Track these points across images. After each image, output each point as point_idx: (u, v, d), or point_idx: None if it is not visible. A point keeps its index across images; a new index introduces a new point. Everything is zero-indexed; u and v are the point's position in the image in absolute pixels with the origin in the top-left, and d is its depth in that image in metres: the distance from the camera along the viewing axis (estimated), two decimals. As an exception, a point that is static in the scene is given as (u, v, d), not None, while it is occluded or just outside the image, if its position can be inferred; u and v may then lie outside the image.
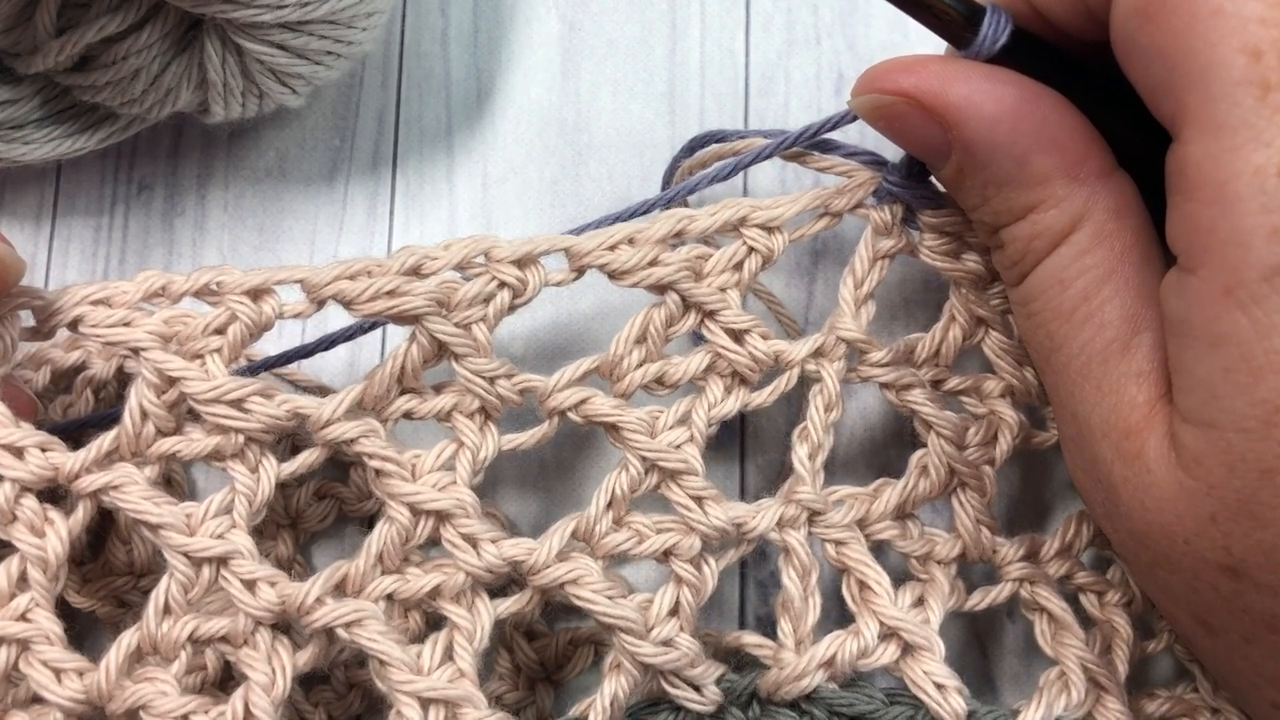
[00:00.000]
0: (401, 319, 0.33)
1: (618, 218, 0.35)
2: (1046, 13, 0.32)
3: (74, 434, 0.36)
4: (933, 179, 0.35)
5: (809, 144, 0.36)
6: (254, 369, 0.36)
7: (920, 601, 0.35)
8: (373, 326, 0.36)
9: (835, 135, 0.35)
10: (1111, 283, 0.31)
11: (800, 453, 0.35)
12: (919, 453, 0.36)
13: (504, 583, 0.34)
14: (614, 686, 0.33)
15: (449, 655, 0.32)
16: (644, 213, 0.36)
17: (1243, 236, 0.27)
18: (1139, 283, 0.31)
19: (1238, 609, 0.29)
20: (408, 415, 0.34)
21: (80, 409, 0.37)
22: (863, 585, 0.35)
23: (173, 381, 0.32)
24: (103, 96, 0.38)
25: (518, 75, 0.44)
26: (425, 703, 0.31)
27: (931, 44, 0.34)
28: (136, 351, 0.32)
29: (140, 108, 0.39)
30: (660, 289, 0.35)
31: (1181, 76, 0.28)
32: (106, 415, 0.35)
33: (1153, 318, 0.30)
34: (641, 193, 0.43)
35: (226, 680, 0.34)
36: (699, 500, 0.34)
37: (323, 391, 0.39)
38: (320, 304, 0.33)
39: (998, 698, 0.40)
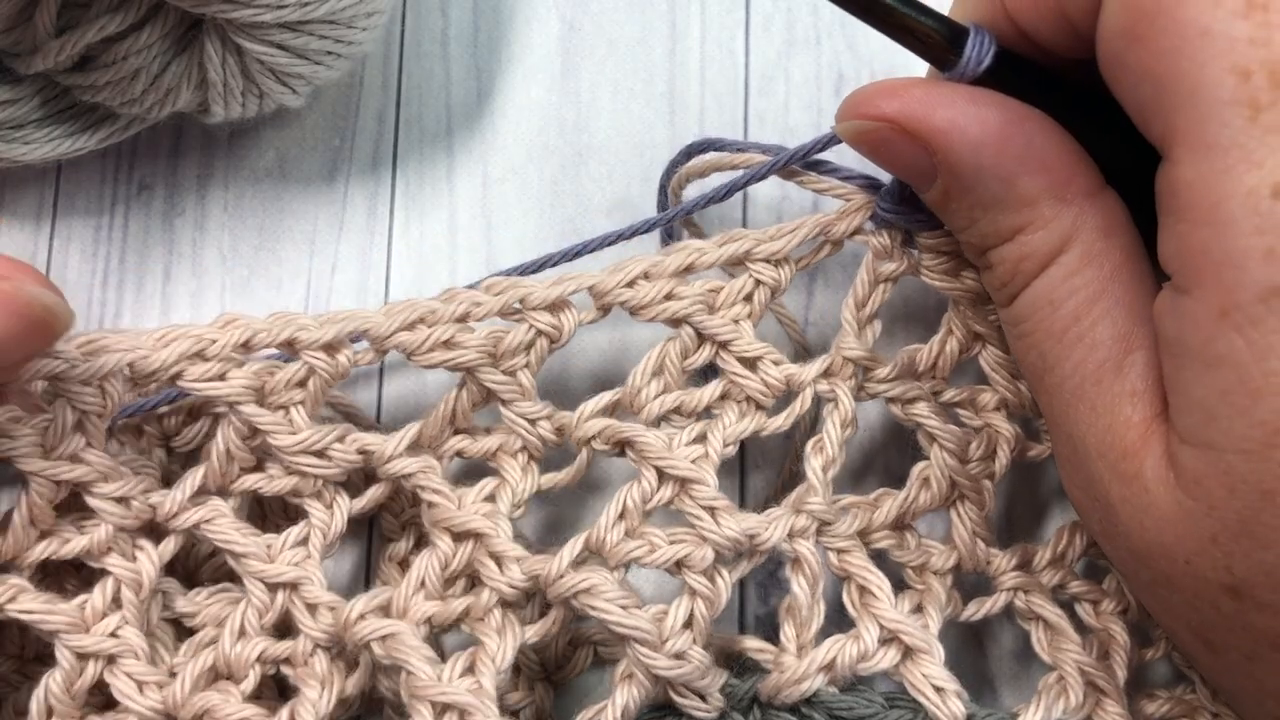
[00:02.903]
0: (456, 369, 0.35)
1: (619, 236, 0.36)
2: (1030, 32, 0.31)
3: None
4: None
5: (803, 163, 0.36)
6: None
7: (919, 608, 0.35)
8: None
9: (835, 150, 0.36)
10: (1102, 302, 0.31)
11: (814, 464, 0.35)
12: (920, 464, 0.37)
13: (523, 603, 0.35)
14: (625, 697, 0.33)
15: (470, 670, 0.33)
16: (645, 231, 0.37)
17: (1237, 258, 0.26)
18: (1130, 301, 0.31)
19: (1239, 627, 0.29)
20: (459, 454, 0.36)
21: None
22: (864, 591, 0.35)
23: (260, 431, 0.34)
24: (103, 96, 0.38)
25: (518, 75, 0.44)
26: (440, 709, 0.32)
27: (931, 46, 0.33)
28: (231, 405, 0.34)
29: (140, 108, 0.39)
30: (676, 322, 0.36)
31: (1171, 97, 0.27)
32: (167, 397, 0.37)
33: (1145, 336, 0.30)
34: (641, 193, 0.43)
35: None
36: (711, 511, 0.34)
37: (358, 419, 0.40)
38: (384, 353, 0.35)
39: (997, 700, 0.40)
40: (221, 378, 0.34)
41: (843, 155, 0.36)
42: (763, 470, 0.41)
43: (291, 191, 0.43)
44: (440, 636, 0.38)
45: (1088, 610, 0.37)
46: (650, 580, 0.40)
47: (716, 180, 0.38)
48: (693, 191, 0.41)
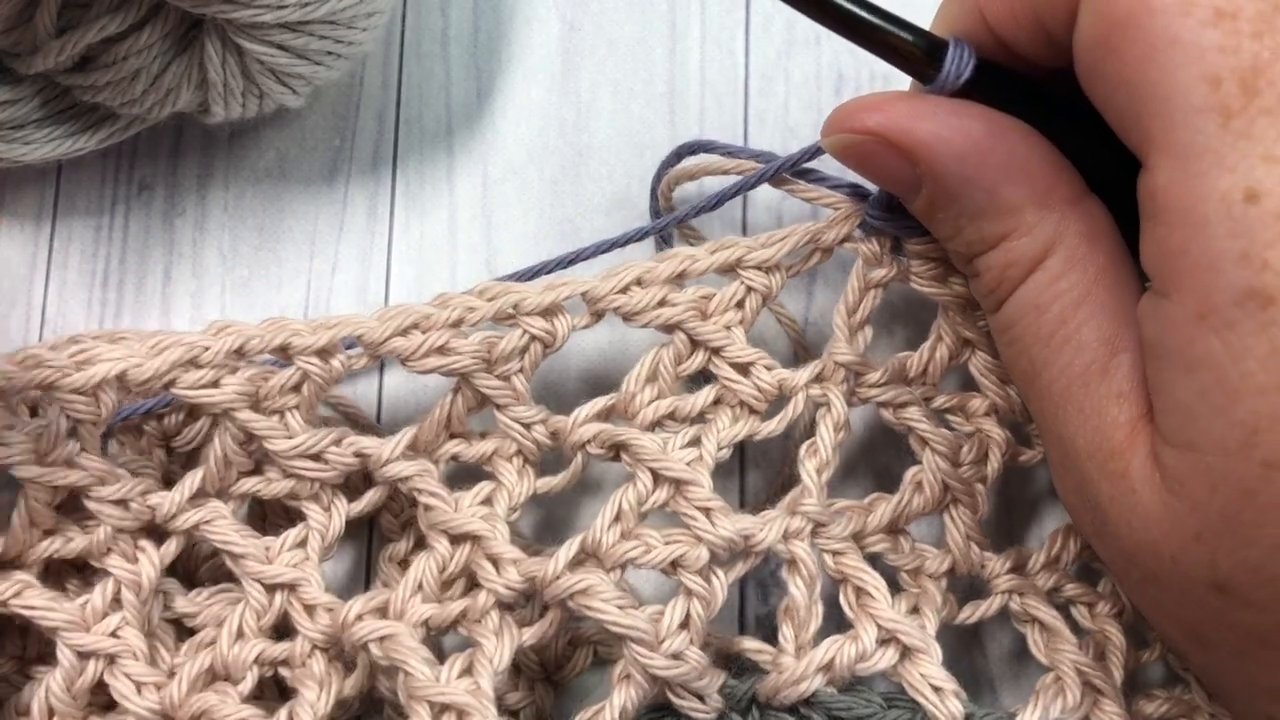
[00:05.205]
0: (451, 374, 0.35)
1: (613, 244, 0.37)
2: (1010, 43, 0.32)
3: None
4: None
5: (793, 171, 0.36)
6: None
7: (915, 610, 0.36)
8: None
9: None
10: (1087, 306, 0.31)
11: (808, 467, 0.36)
12: (913, 469, 0.37)
13: (521, 603, 0.35)
14: (623, 698, 0.33)
15: (469, 671, 0.33)
16: (638, 239, 0.37)
17: (1213, 261, 0.27)
18: (1114, 305, 0.31)
19: (1227, 624, 0.29)
20: (455, 458, 0.36)
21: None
22: (860, 592, 0.35)
23: (256, 436, 0.35)
24: (103, 96, 0.38)
25: (518, 75, 0.44)
26: (438, 709, 0.32)
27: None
28: (226, 412, 0.34)
29: (140, 108, 0.39)
30: (669, 328, 0.36)
31: (1145, 105, 0.28)
32: (163, 401, 0.37)
33: (1130, 338, 0.31)
34: (641, 193, 0.43)
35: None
36: (706, 512, 0.34)
37: (356, 419, 0.41)
38: (378, 358, 0.35)
39: (996, 700, 0.40)
40: (215, 385, 0.34)
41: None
42: (762, 470, 0.41)
43: (291, 191, 0.43)
44: (439, 639, 0.38)
45: (1083, 613, 0.37)
46: (649, 581, 0.40)
47: (708, 182, 0.38)
48: (687, 192, 0.41)
